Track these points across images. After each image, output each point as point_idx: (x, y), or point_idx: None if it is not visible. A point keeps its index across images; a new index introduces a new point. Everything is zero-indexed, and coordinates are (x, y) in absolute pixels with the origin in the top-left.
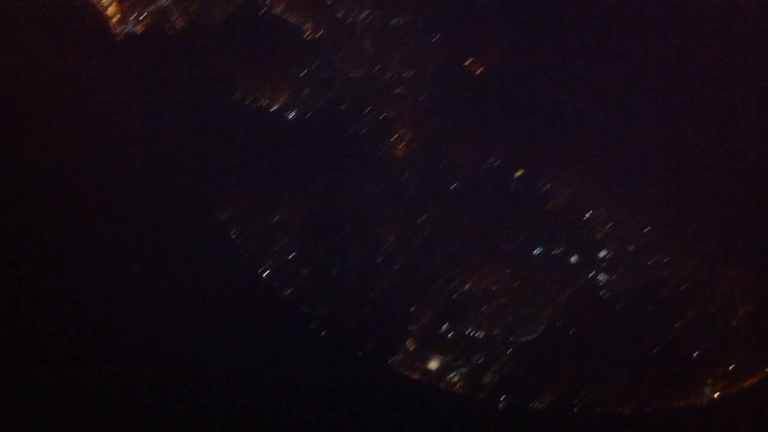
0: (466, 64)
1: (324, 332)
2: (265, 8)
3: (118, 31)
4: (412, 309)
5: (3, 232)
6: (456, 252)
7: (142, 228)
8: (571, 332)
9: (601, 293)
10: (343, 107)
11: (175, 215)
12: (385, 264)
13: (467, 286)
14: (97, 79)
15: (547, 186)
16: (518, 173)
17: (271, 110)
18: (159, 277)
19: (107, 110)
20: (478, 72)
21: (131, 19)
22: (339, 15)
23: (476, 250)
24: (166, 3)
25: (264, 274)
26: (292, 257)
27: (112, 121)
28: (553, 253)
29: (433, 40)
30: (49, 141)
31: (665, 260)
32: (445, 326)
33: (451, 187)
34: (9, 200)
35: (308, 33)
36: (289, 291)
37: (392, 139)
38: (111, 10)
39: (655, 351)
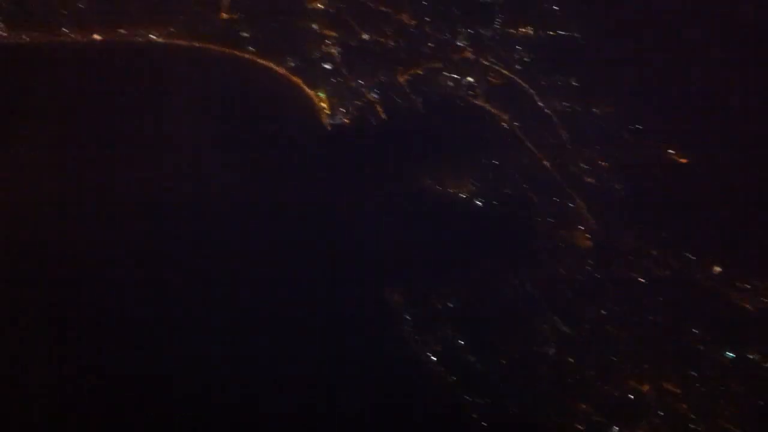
0: (670, 153)
1: (486, 424)
2: (467, 98)
3: (327, 122)
4: (581, 407)
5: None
6: (635, 349)
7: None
8: None
9: None
10: (533, 196)
11: (356, 298)
12: (557, 356)
13: (644, 387)
14: (304, 167)
15: (747, 285)
16: (716, 270)
17: (461, 197)
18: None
19: (308, 195)
20: (681, 162)
21: (341, 111)
22: (539, 104)
23: (659, 348)
24: (375, 97)
25: (432, 359)
26: (461, 344)
27: (312, 205)
28: (749, 357)
29: (632, 128)
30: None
31: None
32: (615, 428)
33: (638, 281)
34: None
35: (505, 122)
36: (455, 378)
37: (579, 229)
38: (323, 104)
39: None
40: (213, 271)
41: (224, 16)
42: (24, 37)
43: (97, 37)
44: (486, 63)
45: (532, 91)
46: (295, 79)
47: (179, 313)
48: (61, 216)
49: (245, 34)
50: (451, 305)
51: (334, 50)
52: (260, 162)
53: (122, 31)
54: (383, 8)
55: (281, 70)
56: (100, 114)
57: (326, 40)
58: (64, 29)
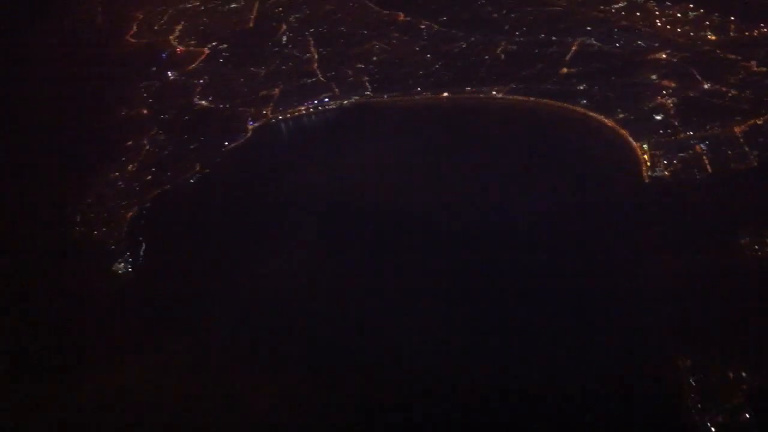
0: None
1: None
2: None
3: (647, 174)
4: None
5: None
6: None
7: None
8: None
9: None
10: None
11: (641, 358)
12: None
13: None
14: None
15: None
16: None
17: None
18: None
19: (616, 245)
20: None
21: (663, 163)
22: None
23: None
24: (704, 149)
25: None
26: (748, 418)
27: (616, 256)
28: None
29: None
30: None
31: None
32: None
33: None
34: None
35: None
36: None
37: None
38: (645, 156)
39: None
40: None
41: (564, 71)
42: (385, 96)
43: (445, 95)
44: None
45: None
46: (621, 131)
47: None
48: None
49: (581, 88)
50: (745, 374)
51: (669, 101)
52: (576, 212)
53: (468, 89)
54: (732, 56)
55: (610, 123)
56: (445, 159)
57: (663, 91)
58: (418, 89)
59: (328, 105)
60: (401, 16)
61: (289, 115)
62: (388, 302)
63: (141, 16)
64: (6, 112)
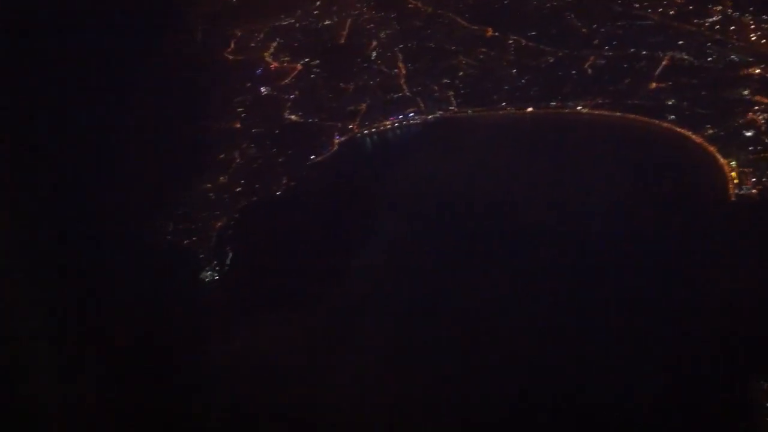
0: None
1: None
2: None
3: (734, 191)
4: None
5: None
6: None
7: None
8: None
9: None
10: None
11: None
12: None
13: None
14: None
15: None
16: None
17: None
18: None
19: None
20: None
21: (751, 181)
22: None
23: None
24: None
25: None
26: None
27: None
28: None
29: None
30: None
31: None
32: None
33: None
34: None
35: None
36: None
37: None
38: (733, 174)
39: None
40: None
41: (653, 85)
42: (469, 111)
43: (530, 109)
44: None
45: None
46: (710, 147)
47: None
48: None
49: (669, 103)
50: None
51: (760, 117)
52: (660, 227)
53: (553, 104)
54: None
55: (698, 139)
56: (527, 172)
57: (755, 107)
58: (503, 103)
59: (413, 120)
60: (490, 32)
61: (374, 130)
62: (474, 311)
63: (239, 34)
64: (103, 123)
